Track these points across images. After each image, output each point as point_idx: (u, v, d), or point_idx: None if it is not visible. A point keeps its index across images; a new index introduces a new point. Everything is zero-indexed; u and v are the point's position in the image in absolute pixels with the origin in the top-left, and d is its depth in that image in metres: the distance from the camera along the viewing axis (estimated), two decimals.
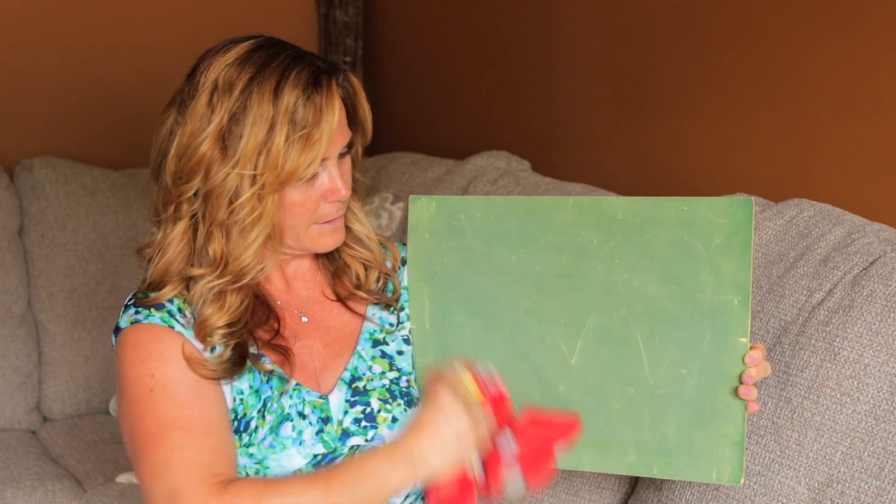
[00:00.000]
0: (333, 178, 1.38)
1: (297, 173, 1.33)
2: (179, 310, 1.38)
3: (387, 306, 1.51)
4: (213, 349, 1.37)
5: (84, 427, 2.56)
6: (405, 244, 1.53)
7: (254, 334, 1.41)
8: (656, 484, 1.64)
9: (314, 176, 1.37)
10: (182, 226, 1.37)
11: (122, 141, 2.90)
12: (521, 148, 2.57)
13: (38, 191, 2.62)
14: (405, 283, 1.52)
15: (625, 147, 2.33)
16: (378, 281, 1.51)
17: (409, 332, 1.50)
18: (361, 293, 1.49)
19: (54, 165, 2.66)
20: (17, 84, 2.85)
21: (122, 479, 2.29)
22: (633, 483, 1.75)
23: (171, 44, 2.94)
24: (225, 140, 1.33)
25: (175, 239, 1.38)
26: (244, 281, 1.38)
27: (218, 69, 1.34)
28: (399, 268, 1.54)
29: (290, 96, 1.32)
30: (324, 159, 1.36)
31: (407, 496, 1.45)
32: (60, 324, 2.60)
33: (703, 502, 1.55)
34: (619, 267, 1.38)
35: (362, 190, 1.51)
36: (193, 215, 1.37)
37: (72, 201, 2.64)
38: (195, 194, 1.36)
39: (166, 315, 1.37)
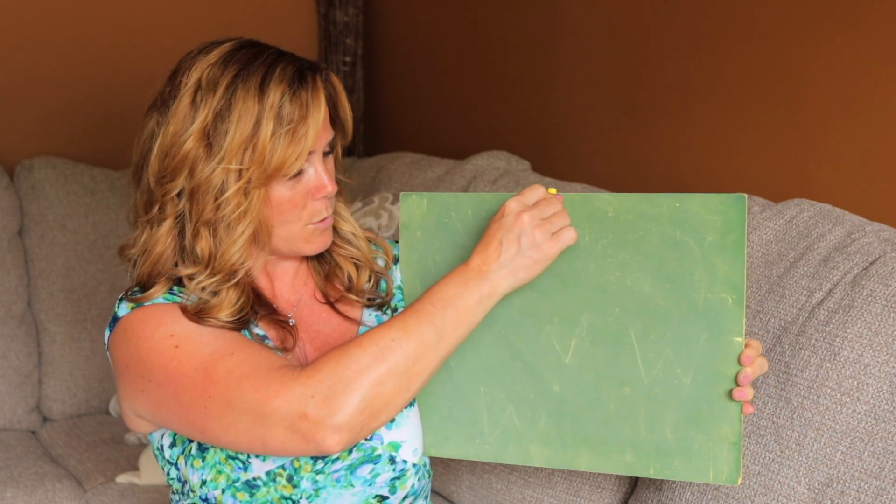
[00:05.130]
0: (320, 175, 1.38)
1: (283, 168, 1.33)
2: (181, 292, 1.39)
3: (380, 306, 1.51)
4: None
5: (84, 427, 2.56)
6: (397, 242, 1.53)
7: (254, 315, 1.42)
8: (656, 484, 1.64)
9: (300, 172, 1.37)
10: (167, 225, 1.38)
11: (122, 141, 2.89)
12: (521, 148, 2.57)
13: (38, 191, 2.63)
14: (398, 281, 1.52)
15: (625, 147, 2.33)
16: (370, 280, 1.51)
17: None
18: (353, 295, 1.49)
19: (54, 165, 2.66)
20: (16, 84, 2.85)
21: (122, 479, 2.29)
22: (633, 483, 1.75)
23: (172, 44, 2.93)
24: (209, 137, 1.33)
25: (160, 239, 1.38)
26: (235, 279, 1.38)
27: (200, 69, 1.35)
28: (392, 266, 1.53)
29: (275, 92, 1.32)
30: (310, 153, 1.37)
31: (405, 497, 1.45)
32: (60, 324, 2.60)
33: (703, 502, 1.55)
34: (612, 265, 1.37)
35: (347, 191, 1.51)
36: (179, 215, 1.37)
37: (72, 201, 2.64)
38: (179, 193, 1.36)
39: (169, 294, 1.38)
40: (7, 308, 2.56)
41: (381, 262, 1.53)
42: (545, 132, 2.56)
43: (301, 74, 1.35)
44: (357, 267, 1.50)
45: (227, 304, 1.37)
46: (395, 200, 2.40)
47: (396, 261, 1.53)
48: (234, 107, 1.32)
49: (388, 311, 1.50)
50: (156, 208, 1.37)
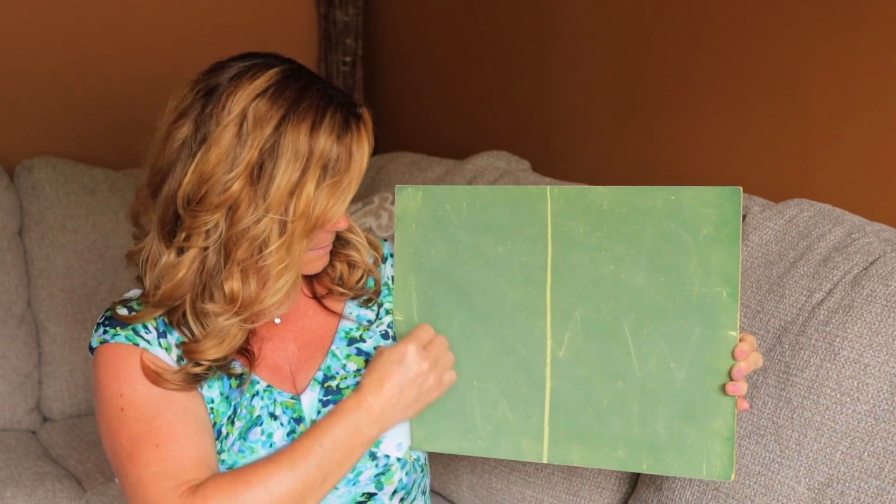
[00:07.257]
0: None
1: (324, 218, 1.32)
2: (144, 326, 1.39)
3: (366, 302, 1.51)
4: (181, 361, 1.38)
5: (84, 427, 2.56)
6: (386, 241, 1.54)
7: None
8: (656, 483, 1.64)
9: None
10: (192, 254, 1.33)
11: (122, 141, 2.90)
12: (521, 148, 2.57)
13: (38, 191, 2.62)
14: (386, 278, 1.52)
15: (625, 147, 2.34)
16: (360, 279, 1.51)
17: (390, 325, 1.50)
18: (341, 289, 1.49)
19: (54, 165, 2.66)
20: (17, 84, 2.85)
21: None
22: (633, 483, 1.75)
23: (172, 44, 2.94)
24: (255, 180, 1.29)
25: (184, 265, 1.33)
26: (260, 322, 1.39)
27: (247, 99, 1.29)
28: (381, 263, 1.54)
29: (325, 141, 1.30)
30: None
31: (395, 492, 1.45)
32: (60, 324, 2.60)
33: (703, 502, 1.55)
34: (606, 258, 1.37)
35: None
36: (206, 247, 1.32)
37: (72, 201, 2.64)
38: (214, 226, 1.31)
39: (131, 333, 1.38)
40: (7, 308, 2.56)
41: (370, 260, 1.53)
42: (545, 132, 2.56)
43: (348, 123, 1.33)
44: (350, 266, 1.50)
45: (228, 344, 1.36)
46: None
47: (385, 259, 1.54)
48: (283, 149, 1.28)
49: (375, 307, 1.50)
50: (182, 235, 1.32)
